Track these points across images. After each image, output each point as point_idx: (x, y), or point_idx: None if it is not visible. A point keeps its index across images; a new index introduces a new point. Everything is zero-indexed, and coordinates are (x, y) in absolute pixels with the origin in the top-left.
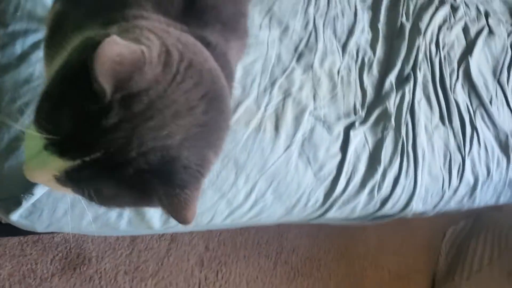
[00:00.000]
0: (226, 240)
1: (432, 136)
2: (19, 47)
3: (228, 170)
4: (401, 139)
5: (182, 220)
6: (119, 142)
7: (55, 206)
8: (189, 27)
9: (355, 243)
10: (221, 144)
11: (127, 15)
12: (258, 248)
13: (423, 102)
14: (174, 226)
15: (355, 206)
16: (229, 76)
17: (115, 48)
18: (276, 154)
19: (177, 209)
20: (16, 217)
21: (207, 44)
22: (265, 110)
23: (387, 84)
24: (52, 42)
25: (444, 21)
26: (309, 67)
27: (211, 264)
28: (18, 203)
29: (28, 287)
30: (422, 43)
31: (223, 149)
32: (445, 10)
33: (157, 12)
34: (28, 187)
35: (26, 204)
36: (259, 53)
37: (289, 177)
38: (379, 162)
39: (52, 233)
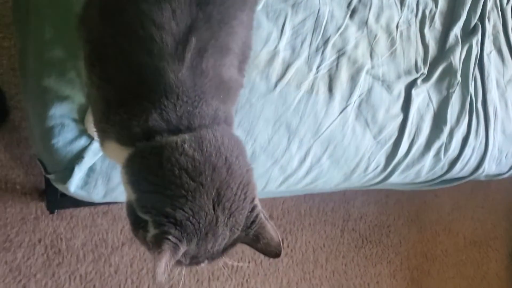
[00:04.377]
0: (290, 208)
1: (505, 91)
2: None
3: (280, 135)
4: (469, 96)
5: None
6: None
7: (109, 175)
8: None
9: (426, 208)
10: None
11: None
12: (324, 216)
13: (494, 54)
14: None
15: (420, 169)
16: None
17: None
18: (330, 117)
19: None
20: (73, 187)
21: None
22: (317, 71)
23: (451, 37)
24: None
25: None
26: (364, 23)
27: None
28: (71, 170)
29: (101, 255)
30: None
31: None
32: None
33: None
34: (79, 154)
35: (80, 170)
36: (309, 11)
37: (346, 141)
38: (444, 122)
39: (121, 202)
